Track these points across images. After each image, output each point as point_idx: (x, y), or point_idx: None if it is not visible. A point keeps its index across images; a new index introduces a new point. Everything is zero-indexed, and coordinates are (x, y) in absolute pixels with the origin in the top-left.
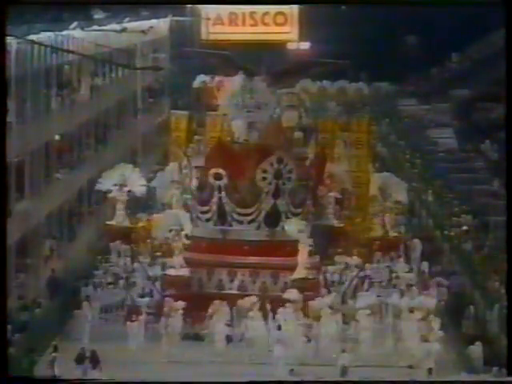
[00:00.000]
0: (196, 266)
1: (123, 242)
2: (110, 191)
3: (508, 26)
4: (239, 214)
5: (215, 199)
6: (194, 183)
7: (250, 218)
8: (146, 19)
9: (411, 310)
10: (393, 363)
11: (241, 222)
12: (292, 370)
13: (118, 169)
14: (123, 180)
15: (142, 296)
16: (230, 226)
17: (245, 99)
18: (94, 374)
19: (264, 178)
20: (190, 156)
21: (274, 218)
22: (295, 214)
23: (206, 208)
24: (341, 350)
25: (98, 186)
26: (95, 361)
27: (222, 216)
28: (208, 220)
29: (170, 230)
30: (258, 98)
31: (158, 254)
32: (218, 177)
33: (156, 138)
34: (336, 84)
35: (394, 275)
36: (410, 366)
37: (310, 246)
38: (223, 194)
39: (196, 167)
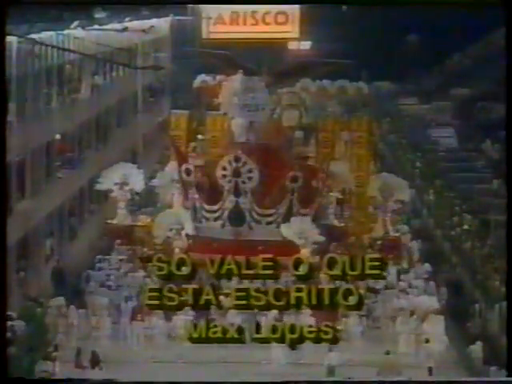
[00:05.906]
0: None
1: (124, 241)
2: (110, 190)
3: (508, 26)
4: (302, 214)
5: (286, 201)
6: (257, 186)
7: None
8: (146, 18)
9: (412, 310)
10: (393, 363)
11: None
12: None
13: (118, 168)
14: (124, 179)
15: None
16: None
17: (245, 99)
18: (93, 374)
19: None
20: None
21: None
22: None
23: (271, 211)
24: (328, 349)
25: (98, 186)
26: (95, 361)
27: (287, 218)
28: (270, 223)
29: (171, 229)
30: (258, 98)
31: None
32: (294, 179)
33: (157, 137)
34: (336, 83)
35: (394, 275)
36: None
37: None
38: (295, 195)
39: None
